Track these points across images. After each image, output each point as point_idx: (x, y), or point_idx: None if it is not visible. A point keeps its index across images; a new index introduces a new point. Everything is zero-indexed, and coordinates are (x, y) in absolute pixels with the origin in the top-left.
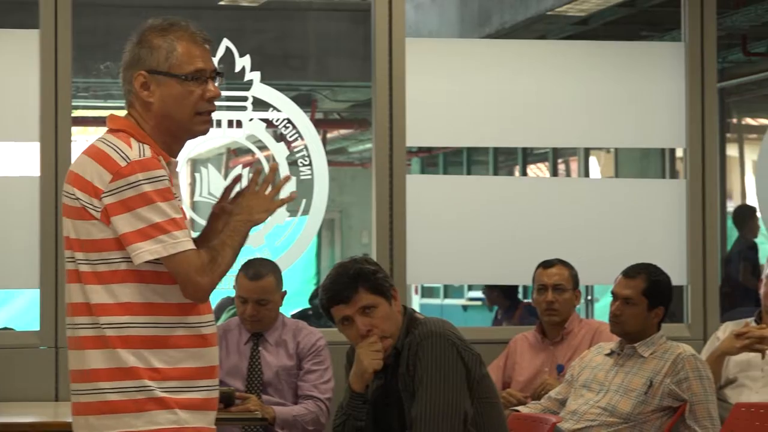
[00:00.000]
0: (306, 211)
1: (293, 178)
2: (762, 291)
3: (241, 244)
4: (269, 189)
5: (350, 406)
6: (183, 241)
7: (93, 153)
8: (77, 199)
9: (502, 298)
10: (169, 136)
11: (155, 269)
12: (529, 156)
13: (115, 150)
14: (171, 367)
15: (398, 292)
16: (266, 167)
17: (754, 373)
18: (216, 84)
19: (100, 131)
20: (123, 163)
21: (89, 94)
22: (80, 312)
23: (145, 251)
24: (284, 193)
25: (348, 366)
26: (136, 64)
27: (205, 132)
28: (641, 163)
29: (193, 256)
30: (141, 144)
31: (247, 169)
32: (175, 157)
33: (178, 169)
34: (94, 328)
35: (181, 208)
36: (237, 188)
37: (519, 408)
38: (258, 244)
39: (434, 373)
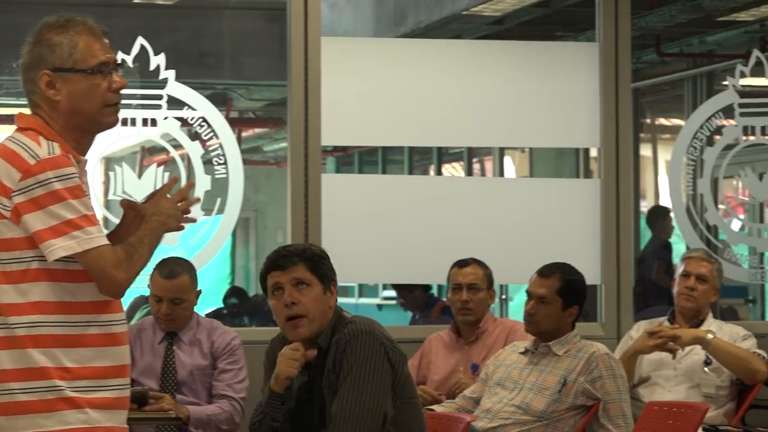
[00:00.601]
0: (221, 210)
1: (208, 177)
2: (675, 290)
3: (157, 244)
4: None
5: (268, 405)
6: (97, 237)
7: (1, 152)
8: None
9: (418, 300)
10: (79, 132)
11: (66, 267)
12: (444, 155)
13: (24, 148)
14: (81, 366)
15: (336, 291)
16: (181, 166)
17: (667, 372)
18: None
19: (12, 129)
20: (32, 162)
21: (1, 92)
22: None
23: (59, 248)
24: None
25: (267, 363)
26: (39, 64)
27: (114, 123)
28: (556, 162)
29: (108, 251)
30: (50, 142)
31: (162, 168)
32: (85, 154)
33: (87, 168)
34: (4, 329)
35: (91, 206)
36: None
37: (434, 407)
38: (173, 242)
39: (359, 371)
